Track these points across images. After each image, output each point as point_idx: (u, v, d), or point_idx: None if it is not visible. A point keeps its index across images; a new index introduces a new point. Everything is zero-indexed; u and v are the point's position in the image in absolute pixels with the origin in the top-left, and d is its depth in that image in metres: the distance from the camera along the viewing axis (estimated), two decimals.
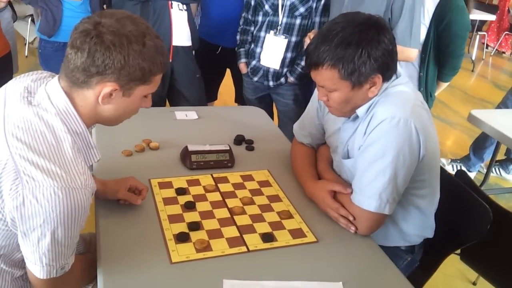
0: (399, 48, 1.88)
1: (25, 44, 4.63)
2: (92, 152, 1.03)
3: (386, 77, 1.22)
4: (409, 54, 1.94)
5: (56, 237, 0.91)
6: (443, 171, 1.44)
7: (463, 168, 3.19)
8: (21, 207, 0.88)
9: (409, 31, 1.89)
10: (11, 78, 1.09)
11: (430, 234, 1.42)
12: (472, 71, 6.03)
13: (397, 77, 1.27)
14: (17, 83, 1.03)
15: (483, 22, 6.41)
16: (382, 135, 1.18)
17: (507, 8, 5.84)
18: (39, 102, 0.97)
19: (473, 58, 6.15)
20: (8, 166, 0.89)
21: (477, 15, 5.66)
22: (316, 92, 1.49)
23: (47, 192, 0.87)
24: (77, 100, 0.98)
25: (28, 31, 4.49)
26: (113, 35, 0.91)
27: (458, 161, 3.32)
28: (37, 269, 0.95)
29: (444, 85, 2.42)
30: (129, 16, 0.97)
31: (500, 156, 3.23)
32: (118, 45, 0.91)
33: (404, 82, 1.27)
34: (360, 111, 1.25)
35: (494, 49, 6.72)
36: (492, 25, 6.64)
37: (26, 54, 4.61)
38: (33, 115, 0.94)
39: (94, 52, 0.91)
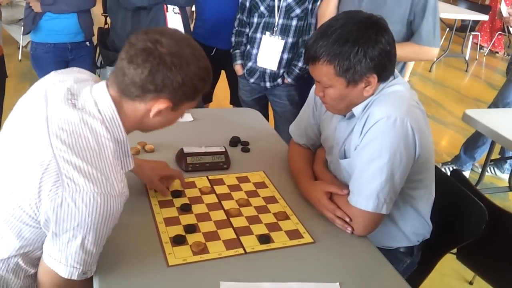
0: (424, 48, 1.95)
1: (19, 48, 4.61)
2: (128, 160, 1.05)
3: (382, 78, 1.22)
4: (433, 53, 2.00)
5: (86, 241, 0.93)
6: (438, 170, 1.45)
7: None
8: (58, 208, 0.89)
9: (432, 32, 1.94)
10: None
11: (427, 234, 1.42)
12: (466, 71, 6.06)
13: (394, 78, 1.27)
14: (58, 83, 1.04)
15: (476, 23, 6.45)
16: (379, 135, 1.18)
17: (498, 8, 5.88)
18: (83, 106, 0.98)
19: (467, 58, 6.19)
20: (51, 167, 0.90)
21: (469, 15, 5.70)
22: (312, 92, 1.49)
23: (86, 197, 0.89)
24: (125, 109, 1.00)
25: (22, 35, 4.47)
26: (173, 56, 0.94)
27: (449, 163, 3.34)
28: (60, 267, 0.95)
29: None
30: (185, 37, 1.01)
31: (495, 155, 3.25)
32: (178, 67, 0.95)
33: (401, 82, 1.27)
34: (357, 110, 1.25)
35: (488, 49, 6.76)
36: (485, 25, 6.69)
37: (20, 58, 4.58)
38: (77, 118, 0.95)
39: (156, 72, 0.94)
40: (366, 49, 1.14)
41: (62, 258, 0.94)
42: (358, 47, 1.14)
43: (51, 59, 2.45)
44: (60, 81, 1.04)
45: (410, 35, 1.99)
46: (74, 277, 0.97)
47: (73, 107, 0.97)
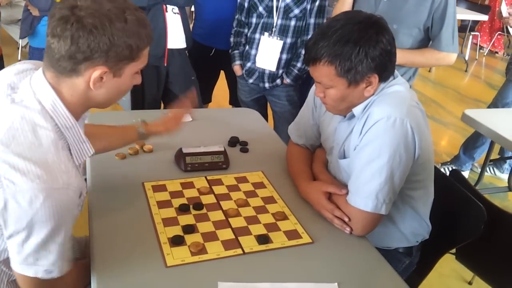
0: (444, 54, 1.95)
1: (18, 48, 4.61)
2: (84, 146, 1.00)
3: (383, 78, 1.22)
4: (452, 59, 2.01)
5: (41, 239, 0.90)
6: (437, 170, 1.45)
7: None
8: (4, 211, 0.87)
9: (451, 38, 1.94)
10: None
11: (426, 234, 1.42)
12: (466, 71, 6.06)
13: (394, 78, 1.27)
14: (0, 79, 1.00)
15: (475, 23, 6.45)
16: (378, 135, 1.18)
17: (497, 9, 5.88)
18: (22, 99, 0.94)
19: (467, 58, 6.18)
20: None
21: (469, 15, 5.70)
22: (311, 92, 1.49)
23: (27, 195, 0.86)
24: (66, 90, 0.95)
25: (19, 40, 4.46)
26: (93, 17, 0.88)
27: (449, 163, 3.34)
28: (23, 268, 0.94)
29: None
30: None
31: (494, 155, 3.24)
32: (100, 27, 0.88)
33: (401, 83, 1.27)
34: (357, 110, 1.25)
35: (487, 49, 6.76)
36: (484, 25, 6.69)
37: (19, 58, 4.58)
38: (14, 113, 0.91)
39: (78, 38, 0.87)
40: (367, 49, 1.14)
41: (22, 259, 0.92)
42: (359, 47, 1.13)
43: None
44: (2, 78, 1.00)
45: (426, 39, 1.99)
46: (40, 275, 0.95)
47: (12, 102, 0.93)
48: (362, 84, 1.19)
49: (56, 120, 0.94)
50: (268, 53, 2.29)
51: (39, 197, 0.86)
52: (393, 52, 1.20)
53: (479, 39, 6.67)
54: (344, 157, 1.31)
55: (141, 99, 2.26)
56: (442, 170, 3.28)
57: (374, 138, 1.19)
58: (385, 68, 1.20)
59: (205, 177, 1.44)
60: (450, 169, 3.25)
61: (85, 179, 1.38)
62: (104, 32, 0.89)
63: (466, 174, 3.26)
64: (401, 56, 1.96)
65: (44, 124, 0.92)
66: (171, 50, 2.24)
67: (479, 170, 3.04)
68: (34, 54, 2.45)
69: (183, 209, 1.27)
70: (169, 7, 2.18)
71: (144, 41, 0.96)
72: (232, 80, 2.65)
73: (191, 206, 1.29)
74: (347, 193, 1.26)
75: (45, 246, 0.92)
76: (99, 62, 0.91)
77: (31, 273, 0.94)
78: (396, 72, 1.28)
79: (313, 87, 1.39)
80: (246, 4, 2.32)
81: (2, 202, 0.86)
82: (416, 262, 1.45)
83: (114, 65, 0.94)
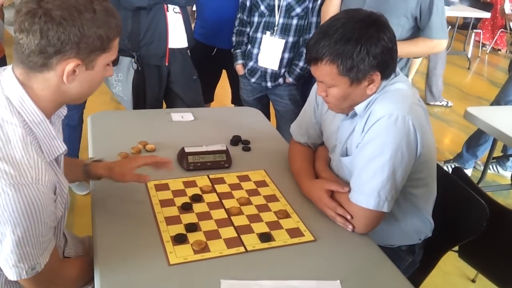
0: (436, 41, 1.99)
1: None
2: (55, 143, 0.98)
3: (385, 75, 1.22)
4: (443, 45, 2.06)
5: (17, 237, 0.88)
6: (440, 168, 1.45)
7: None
8: None
9: (440, 25, 1.98)
10: None
11: (429, 232, 1.42)
12: (468, 68, 6.05)
13: (396, 76, 1.27)
14: None
15: (478, 20, 6.43)
16: (380, 133, 1.18)
17: (499, 6, 5.86)
18: None
19: (469, 56, 6.17)
20: None
21: (471, 12, 5.67)
22: (313, 91, 1.49)
23: None
24: (37, 85, 0.93)
25: None
26: (61, 9, 0.86)
27: (452, 161, 3.33)
28: (6, 271, 0.93)
29: None
30: None
31: (497, 153, 3.24)
32: (69, 18, 0.86)
33: (403, 80, 1.27)
34: (359, 108, 1.25)
35: (490, 47, 6.74)
36: (487, 22, 6.67)
37: None
38: None
39: (47, 31, 0.86)
40: (369, 47, 1.14)
41: (3, 261, 0.91)
42: (361, 45, 1.13)
43: None
44: None
45: (414, 27, 2.02)
46: (24, 276, 0.93)
47: None
48: (364, 82, 1.19)
49: (24, 116, 0.92)
50: (270, 52, 2.29)
51: (7, 193, 0.85)
52: (394, 49, 1.20)
53: (481, 36, 6.65)
54: (347, 155, 1.31)
55: (142, 99, 2.26)
56: (445, 168, 3.28)
57: (376, 136, 1.19)
58: (387, 66, 1.20)
59: (208, 176, 1.44)
60: (453, 167, 3.24)
61: (86, 179, 1.37)
62: (73, 23, 0.87)
63: (469, 172, 3.26)
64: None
65: (11, 120, 0.90)
66: (173, 50, 2.24)
67: (482, 168, 3.04)
68: None
69: (185, 208, 1.28)
70: (170, 7, 2.18)
71: (114, 31, 0.95)
72: (234, 80, 2.66)
73: (191, 201, 1.30)
74: (349, 191, 1.26)
75: (23, 245, 0.90)
76: (70, 55, 0.90)
77: (14, 276, 0.93)
78: (397, 69, 1.28)
79: (315, 86, 1.39)
80: (248, 3, 2.32)
81: None
82: (419, 260, 1.45)
83: (86, 57, 0.92)
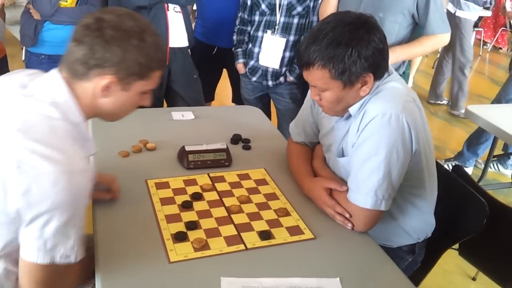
0: (439, 36, 1.98)
1: (22, 48, 4.63)
2: (88, 144, 1.04)
3: (378, 76, 1.22)
4: (447, 39, 2.06)
5: (61, 223, 0.91)
6: (439, 166, 1.45)
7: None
8: (26, 195, 0.88)
9: (440, 18, 1.98)
10: None
11: (429, 231, 1.42)
12: (470, 67, 6.03)
13: (389, 75, 1.27)
14: (10, 80, 1.04)
15: (479, 18, 6.42)
16: (375, 132, 1.18)
17: (501, 4, 5.85)
18: (33, 93, 0.98)
19: None
20: (9, 156, 0.89)
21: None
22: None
23: (50, 178, 0.88)
24: (78, 92, 1.00)
25: (23, 48, 4.48)
26: (114, 29, 0.95)
27: (452, 159, 3.33)
28: (40, 254, 0.93)
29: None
30: (129, 13, 1.00)
31: (498, 151, 3.24)
32: (117, 40, 0.95)
33: (396, 79, 1.27)
34: (353, 109, 1.25)
35: (491, 45, 6.73)
36: (488, 21, 6.66)
37: (23, 59, 4.60)
38: (28, 106, 0.96)
39: (94, 45, 0.94)
40: (360, 49, 1.14)
41: (40, 244, 0.92)
42: (352, 48, 1.13)
43: (44, 70, 2.37)
44: (13, 78, 1.04)
45: (412, 24, 2.01)
46: (57, 261, 0.94)
47: (23, 96, 0.98)
48: (357, 84, 1.19)
49: (68, 114, 0.98)
50: (271, 51, 2.29)
51: (62, 179, 0.89)
52: (385, 50, 1.20)
53: (482, 34, 6.65)
54: (343, 155, 1.32)
55: None
56: (445, 166, 3.28)
57: (370, 135, 1.19)
58: (378, 67, 1.19)
59: (208, 174, 1.45)
60: (454, 165, 3.24)
61: None
62: (119, 45, 0.95)
63: (470, 170, 3.26)
64: (402, 52, 1.98)
65: (54, 115, 0.96)
66: (173, 49, 2.25)
67: (483, 166, 3.04)
68: (31, 59, 2.31)
69: (186, 206, 1.28)
70: (171, 6, 2.19)
71: (156, 63, 1.02)
72: (235, 78, 2.66)
73: (192, 200, 1.30)
74: (348, 190, 1.26)
75: (65, 230, 0.93)
76: (109, 72, 0.97)
77: (47, 260, 0.94)
78: (391, 68, 1.28)
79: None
80: (249, 2, 2.32)
81: (26, 185, 0.88)
82: (420, 260, 1.45)
83: (124, 78, 0.99)
